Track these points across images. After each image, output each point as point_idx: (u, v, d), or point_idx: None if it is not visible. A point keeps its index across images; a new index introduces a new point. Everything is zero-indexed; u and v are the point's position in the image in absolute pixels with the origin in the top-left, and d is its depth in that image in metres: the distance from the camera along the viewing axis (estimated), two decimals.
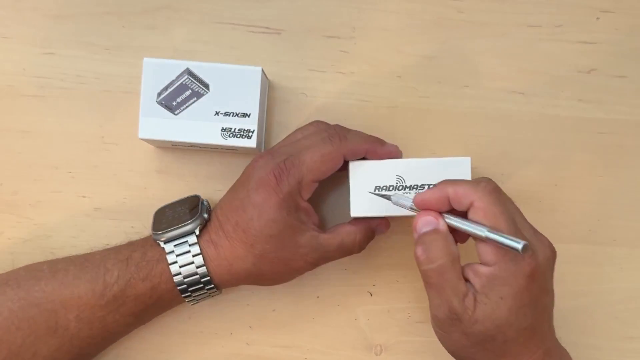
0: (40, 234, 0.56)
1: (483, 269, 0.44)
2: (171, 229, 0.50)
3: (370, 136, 0.51)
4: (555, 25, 0.57)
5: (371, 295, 0.56)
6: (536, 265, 0.44)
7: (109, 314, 0.49)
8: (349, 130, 0.51)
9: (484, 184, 0.45)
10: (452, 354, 0.48)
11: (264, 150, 0.53)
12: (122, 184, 0.57)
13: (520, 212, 0.47)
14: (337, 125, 0.52)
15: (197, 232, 0.49)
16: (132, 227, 0.56)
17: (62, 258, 0.51)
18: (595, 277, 0.56)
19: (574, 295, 0.56)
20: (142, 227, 0.56)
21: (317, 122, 0.52)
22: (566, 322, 0.55)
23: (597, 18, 0.57)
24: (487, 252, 0.44)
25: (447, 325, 0.46)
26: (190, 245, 0.49)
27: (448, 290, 0.45)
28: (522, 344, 0.45)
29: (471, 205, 0.45)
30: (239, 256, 0.49)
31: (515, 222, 0.45)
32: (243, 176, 0.51)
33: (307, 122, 0.52)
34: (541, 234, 0.47)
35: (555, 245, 0.55)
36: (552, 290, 0.47)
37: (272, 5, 0.57)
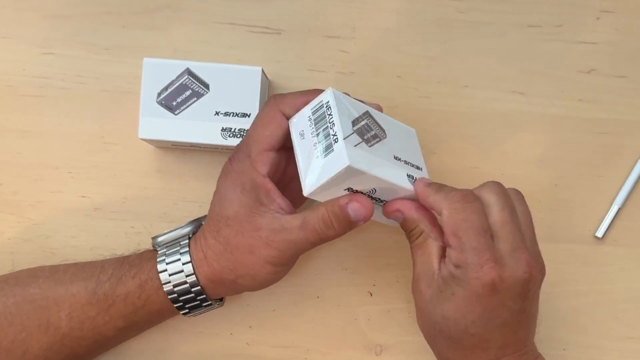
0: (40, 234, 0.56)
1: (449, 264, 0.45)
2: (168, 231, 0.51)
3: (311, 89, 0.48)
4: (555, 25, 0.57)
5: (371, 295, 0.56)
6: (497, 279, 0.44)
7: (99, 314, 0.48)
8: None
9: (454, 193, 0.45)
10: (421, 329, 0.49)
11: None
12: (122, 184, 0.56)
13: (510, 225, 0.45)
14: None
15: (190, 234, 0.50)
16: (132, 227, 0.56)
17: (68, 263, 0.51)
18: (595, 277, 0.56)
19: (574, 295, 0.56)
20: (142, 227, 0.56)
21: None
22: (566, 322, 0.55)
23: (597, 18, 0.57)
24: (450, 253, 0.45)
25: (415, 294, 0.48)
26: (181, 245, 0.49)
27: (420, 265, 0.47)
28: (467, 348, 0.46)
29: (441, 213, 0.45)
30: (214, 250, 0.48)
31: (483, 232, 0.44)
32: None
33: None
34: (524, 255, 0.45)
35: (555, 245, 0.55)
36: (520, 311, 0.45)
37: (272, 5, 0.57)
